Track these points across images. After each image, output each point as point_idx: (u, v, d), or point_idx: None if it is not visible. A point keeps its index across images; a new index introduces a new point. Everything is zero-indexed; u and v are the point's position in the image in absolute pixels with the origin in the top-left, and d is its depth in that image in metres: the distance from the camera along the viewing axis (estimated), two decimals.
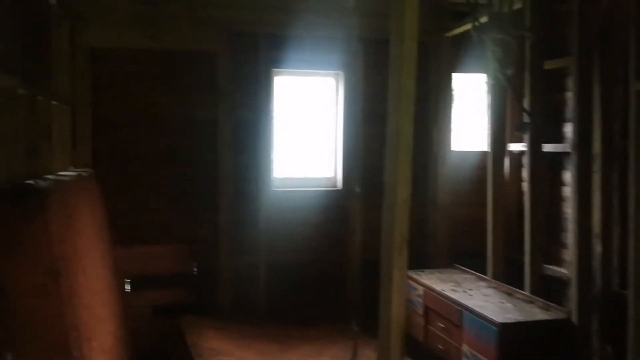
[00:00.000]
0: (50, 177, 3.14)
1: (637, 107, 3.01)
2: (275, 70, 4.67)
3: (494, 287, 4.10)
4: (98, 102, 4.29)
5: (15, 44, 2.80)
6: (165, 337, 4.20)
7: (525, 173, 4.29)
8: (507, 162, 4.71)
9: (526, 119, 3.99)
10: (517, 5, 3.93)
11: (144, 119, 4.39)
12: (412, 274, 4.42)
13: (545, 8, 4.00)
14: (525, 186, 4.13)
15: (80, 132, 4.20)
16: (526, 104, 3.95)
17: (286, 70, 4.72)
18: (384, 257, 2.18)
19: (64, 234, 2.59)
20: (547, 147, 4.10)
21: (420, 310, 4.23)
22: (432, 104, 4.91)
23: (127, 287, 4.27)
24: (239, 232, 4.60)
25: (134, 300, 4.25)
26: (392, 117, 2.15)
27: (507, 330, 3.28)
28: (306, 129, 4.93)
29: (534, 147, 3.98)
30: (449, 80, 4.93)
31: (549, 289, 4.03)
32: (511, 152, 4.78)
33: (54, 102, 3.62)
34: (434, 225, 4.94)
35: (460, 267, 4.65)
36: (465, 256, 4.78)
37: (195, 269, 4.49)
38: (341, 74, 4.82)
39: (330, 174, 4.90)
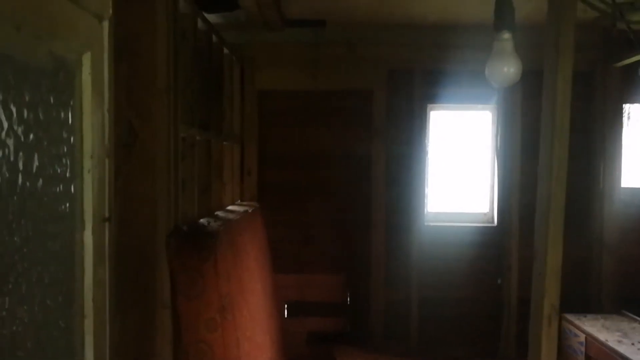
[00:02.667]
0: (220, 213, 3.47)
1: None
2: (430, 105, 4.69)
3: None
4: (263, 139, 4.62)
5: (194, 95, 3.15)
6: None
7: None
8: None
9: None
10: None
11: (303, 154, 4.65)
12: (574, 318, 4.19)
13: None
14: None
15: (248, 167, 4.57)
16: None
17: (441, 105, 4.72)
18: (532, 327, 2.11)
19: (231, 271, 2.85)
20: None
21: (581, 359, 3.99)
22: (599, 138, 4.60)
23: (285, 313, 4.54)
24: (391, 264, 4.66)
25: (291, 326, 4.50)
26: (543, 183, 2.07)
27: None
28: (461, 163, 4.88)
29: None
30: (618, 112, 4.60)
31: None
32: None
33: (226, 143, 3.98)
34: (599, 265, 4.61)
35: (629, 314, 4.30)
36: (635, 302, 4.41)
37: (348, 299, 4.64)
38: (498, 107, 4.72)
39: (486, 210, 4.80)
